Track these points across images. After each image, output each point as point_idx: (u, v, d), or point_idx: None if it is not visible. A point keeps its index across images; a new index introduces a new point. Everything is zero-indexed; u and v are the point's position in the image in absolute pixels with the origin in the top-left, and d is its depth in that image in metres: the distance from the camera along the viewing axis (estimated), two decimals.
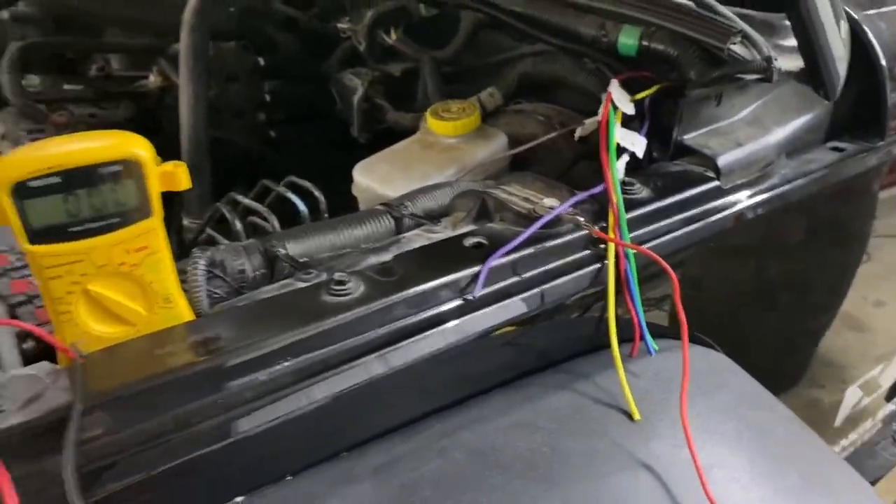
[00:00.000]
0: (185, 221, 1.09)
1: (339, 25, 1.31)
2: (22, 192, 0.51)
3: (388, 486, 0.57)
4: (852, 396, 1.24)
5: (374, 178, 0.93)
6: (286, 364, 0.57)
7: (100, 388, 0.52)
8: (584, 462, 0.61)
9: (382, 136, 1.21)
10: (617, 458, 0.62)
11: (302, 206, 0.82)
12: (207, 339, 0.57)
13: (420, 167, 0.93)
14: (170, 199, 0.90)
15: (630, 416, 0.66)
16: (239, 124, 1.25)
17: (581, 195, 0.73)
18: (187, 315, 0.60)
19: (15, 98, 1.04)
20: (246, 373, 0.56)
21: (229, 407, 0.55)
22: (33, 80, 1.11)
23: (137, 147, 0.54)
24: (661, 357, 0.73)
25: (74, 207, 0.53)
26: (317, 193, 0.85)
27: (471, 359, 0.68)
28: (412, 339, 0.62)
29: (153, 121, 1.18)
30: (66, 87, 1.14)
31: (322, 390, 0.59)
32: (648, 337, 0.72)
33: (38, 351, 0.61)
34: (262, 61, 1.30)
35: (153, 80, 1.24)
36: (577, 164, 1.00)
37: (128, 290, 0.57)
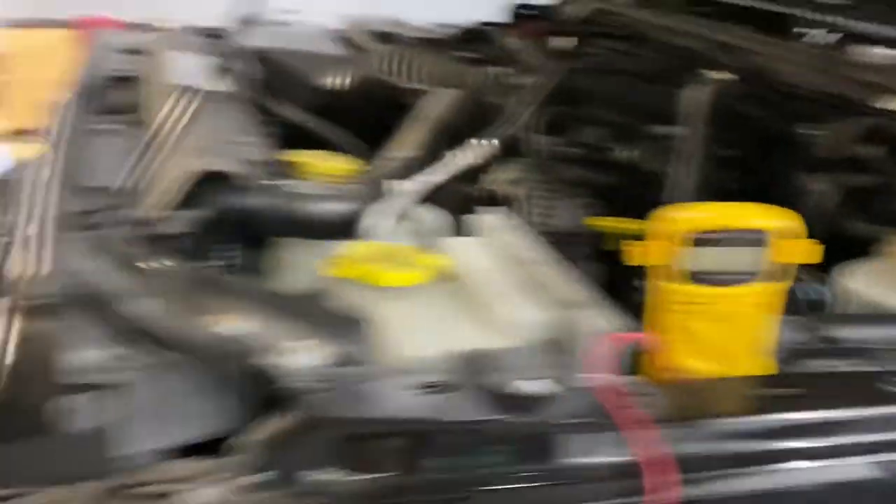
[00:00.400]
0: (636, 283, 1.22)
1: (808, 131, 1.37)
2: (694, 240, 0.64)
3: None
4: None
5: (863, 283, 0.96)
6: (857, 438, 0.64)
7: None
8: None
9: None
10: None
11: (827, 295, 0.89)
12: (795, 394, 0.66)
13: None
14: None
15: None
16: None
17: None
18: (769, 370, 0.69)
19: (535, 153, 1.25)
20: (819, 433, 0.64)
21: (807, 456, 0.63)
22: (543, 140, 1.33)
23: (772, 220, 0.65)
24: None
25: (721, 260, 0.65)
26: (828, 292, 0.91)
27: None
28: None
29: (628, 192, 1.34)
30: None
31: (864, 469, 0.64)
32: None
33: None
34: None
35: (627, 154, 1.40)
36: None
37: (726, 335, 0.68)
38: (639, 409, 0.61)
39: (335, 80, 1.52)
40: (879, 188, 1.24)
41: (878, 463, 0.65)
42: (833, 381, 0.70)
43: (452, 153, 1.12)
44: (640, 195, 1.34)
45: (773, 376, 0.70)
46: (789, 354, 0.75)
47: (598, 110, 1.50)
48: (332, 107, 1.43)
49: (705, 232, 0.65)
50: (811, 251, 0.66)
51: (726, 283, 0.66)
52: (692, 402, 0.66)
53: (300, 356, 0.64)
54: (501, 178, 1.29)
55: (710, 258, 0.65)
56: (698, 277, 0.66)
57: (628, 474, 0.58)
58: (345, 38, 1.89)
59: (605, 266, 1.09)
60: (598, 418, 0.60)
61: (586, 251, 1.25)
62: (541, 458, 0.59)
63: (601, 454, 0.60)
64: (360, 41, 1.84)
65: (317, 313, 0.71)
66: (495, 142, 1.15)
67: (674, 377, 0.67)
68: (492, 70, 1.45)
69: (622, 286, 1.17)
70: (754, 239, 0.65)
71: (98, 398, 0.61)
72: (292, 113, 1.36)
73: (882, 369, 0.70)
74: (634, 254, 0.67)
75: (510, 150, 1.25)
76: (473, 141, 1.16)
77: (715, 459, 0.61)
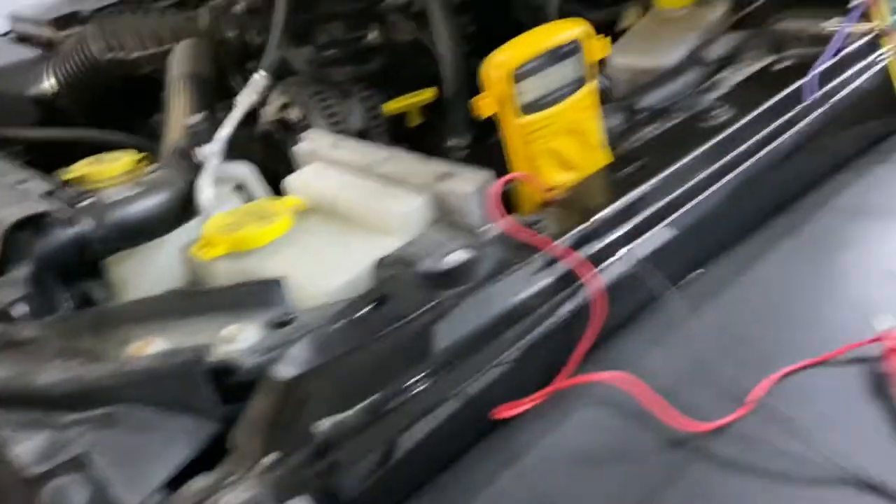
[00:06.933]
0: (451, 142, 1.29)
1: None
2: (516, 77, 0.71)
3: (800, 238, 0.76)
4: None
5: (632, 55, 1.10)
6: (701, 174, 0.76)
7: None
8: None
9: None
10: None
11: (605, 81, 1.00)
12: (639, 167, 0.76)
13: (666, 38, 1.10)
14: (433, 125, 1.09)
15: None
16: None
17: (856, 10, 0.89)
18: (608, 159, 0.79)
19: (304, 65, 1.23)
20: (676, 184, 0.75)
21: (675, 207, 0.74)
22: (303, 51, 1.31)
23: (582, 28, 0.72)
24: None
25: (549, 81, 0.72)
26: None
27: (811, 154, 0.85)
28: (775, 142, 0.80)
29: (398, 69, 1.37)
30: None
31: (722, 191, 0.77)
32: None
33: None
34: None
35: (374, 35, 1.42)
36: None
37: (576, 143, 0.76)
38: (542, 234, 0.68)
39: (52, 82, 1.38)
40: None
41: (728, 180, 0.78)
42: (666, 139, 0.81)
43: (230, 101, 1.08)
44: (412, 67, 1.39)
45: (622, 158, 0.80)
46: (620, 136, 0.86)
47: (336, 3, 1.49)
48: (69, 108, 1.30)
49: (528, 62, 0.71)
50: (606, 45, 0.74)
51: (562, 97, 0.73)
52: (574, 211, 0.73)
53: (239, 339, 0.64)
54: (280, 105, 1.27)
55: (541, 83, 0.72)
56: (538, 104, 0.73)
57: (564, 284, 0.67)
58: (20, 38, 1.69)
59: (417, 142, 1.14)
60: (522, 253, 0.67)
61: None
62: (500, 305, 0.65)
63: (541, 278, 0.67)
64: (41, 33, 1.65)
65: (225, 294, 0.70)
66: (263, 73, 1.12)
67: (548, 198, 0.75)
68: (213, 3, 1.38)
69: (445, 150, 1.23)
70: (569, 51, 0.72)
71: (68, 478, 0.58)
72: (32, 133, 1.23)
73: (690, 114, 0.82)
74: (481, 106, 0.72)
75: (279, 75, 1.22)
76: (243, 80, 1.13)
77: (612, 245, 0.70)
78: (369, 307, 0.64)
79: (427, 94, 1.21)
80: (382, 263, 0.69)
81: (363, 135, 1.29)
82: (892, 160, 0.86)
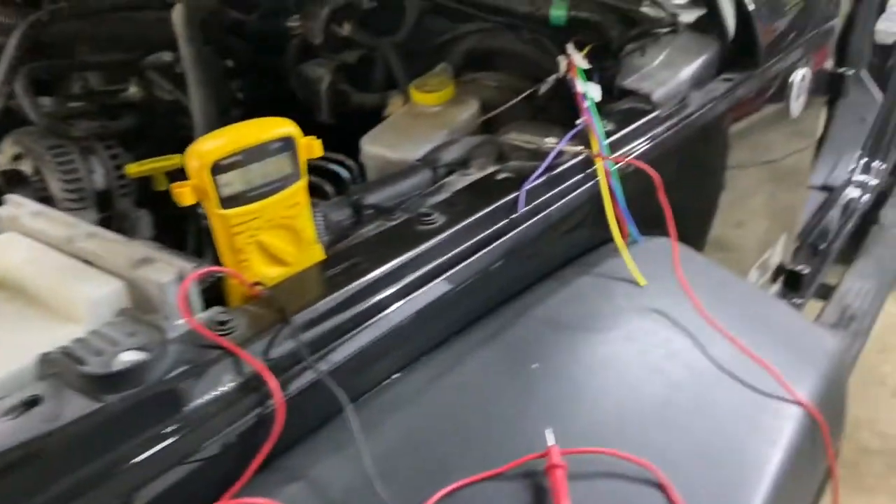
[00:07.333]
0: (200, 210, 1.24)
1: (291, 24, 1.47)
2: (216, 169, 0.68)
3: (497, 347, 0.79)
4: (753, 277, 1.56)
5: (383, 146, 1.12)
6: (412, 276, 0.77)
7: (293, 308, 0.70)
8: (618, 315, 0.86)
9: (347, 118, 1.41)
10: (638, 310, 0.87)
11: (345, 173, 1.01)
12: (349, 266, 0.76)
13: (417, 133, 1.14)
14: None
15: (638, 284, 0.91)
16: (223, 121, 1.39)
17: (574, 130, 0.96)
18: (321, 255, 0.79)
19: (39, 117, 1.14)
20: (384, 286, 0.76)
21: (381, 308, 0.75)
22: (44, 101, 1.21)
23: (292, 127, 0.72)
24: (645, 245, 0.98)
25: (251, 177, 0.70)
26: (350, 162, 1.04)
27: (519, 263, 0.89)
28: (484, 250, 0.84)
29: (153, 128, 1.31)
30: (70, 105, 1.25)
31: (433, 293, 0.79)
32: (635, 230, 0.97)
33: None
34: (230, 63, 1.45)
35: (134, 91, 1.35)
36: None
37: (286, 238, 0.75)
38: (231, 334, 0.66)
39: None
40: (363, 59, 1.41)
41: (436, 284, 0.80)
42: (383, 239, 0.82)
43: None
44: (168, 128, 1.33)
45: (336, 255, 0.79)
46: (341, 231, 0.86)
47: (92, 52, 1.40)
48: None
49: (231, 155, 0.69)
50: (318, 145, 0.74)
51: (270, 192, 0.72)
52: (272, 311, 0.71)
53: None
54: (12, 156, 1.17)
55: (246, 176, 0.70)
56: (243, 197, 0.71)
57: (244, 391, 0.64)
58: None
59: (163, 208, 1.08)
60: (206, 355, 0.64)
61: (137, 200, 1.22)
62: (171, 411, 0.61)
63: (219, 384, 0.64)
64: None
65: None
66: None
67: (254, 293, 0.72)
68: None
69: (186, 223, 1.18)
70: (279, 147, 0.71)
71: None
72: None
73: (410, 216, 0.84)
74: (179, 194, 0.69)
75: (5, 125, 1.12)
76: None
77: (304, 349, 0.69)
78: (16, 412, 0.58)
79: (176, 159, 1.16)
80: (46, 359, 0.63)
81: (105, 196, 1.21)
82: (592, 273, 0.92)
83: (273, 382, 0.64)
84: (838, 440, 0.92)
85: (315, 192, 0.99)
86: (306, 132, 0.74)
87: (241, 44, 1.53)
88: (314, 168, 1.05)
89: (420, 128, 1.16)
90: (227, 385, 0.64)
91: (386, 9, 1.42)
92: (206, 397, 0.63)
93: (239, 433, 0.64)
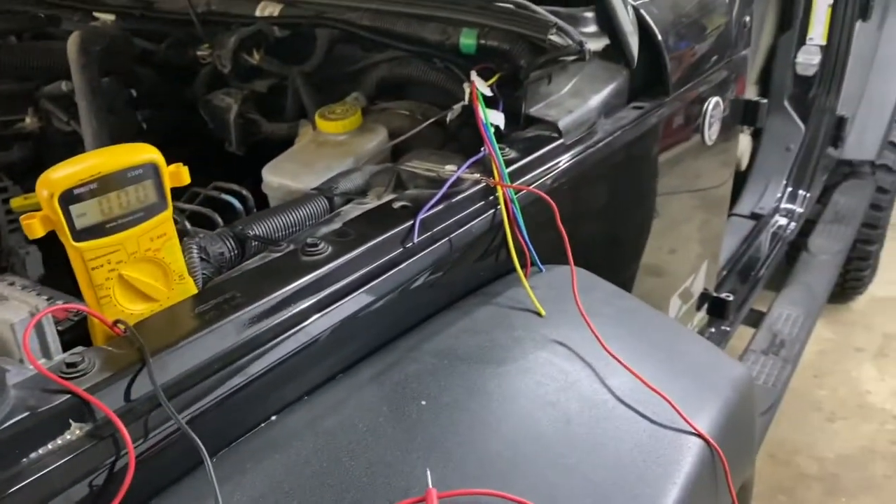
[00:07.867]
0: None
1: (200, 53, 1.43)
2: (69, 198, 0.63)
3: (384, 385, 0.74)
4: (674, 305, 1.55)
5: (284, 175, 1.08)
6: (294, 310, 0.73)
7: (155, 347, 0.65)
8: (516, 347, 0.82)
9: (257, 148, 1.37)
10: (537, 341, 0.83)
11: (238, 204, 0.97)
12: (222, 301, 0.71)
13: (321, 162, 1.10)
14: None
15: (538, 314, 0.88)
16: None
17: (473, 158, 0.94)
18: (194, 290, 0.74)
19: None
20: (259, 322, 0.71)
21: (256, 346, 0.70)
22: None
23: (154, 153, 0.67)
24: (548, 274, 0.95)
25: (108, 207, 0.65)
26: (245, 192, 0.99)
27: (415, 294, 0.86)
28: (376, 280, 0.80)
29: (50, 160, 1.24)
30: None
31: (318, 327, 0.75)
32: (537, 259, 0.95)
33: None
34: (134, 93, 1.39)
35: (30, 121, 1.30)
36: (443, 147, 1.21)
37: (152, 272, 0.70)
38: (81, 377, 0.60)
39: None
40: (274, 88, 1.38)
41: (320, 319, 0.75)
42: (262, 271, 0.77)
43: None
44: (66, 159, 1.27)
45: (210, 289, 0.75)
46: (223, 264, 0.82)
47: None
48: None
49: (85, 184, 0.64)
50: (185, 172, 0.70)
51: (131, 224, 0.67)
52: (130, 352, 0.66)
53: None
54: None
55: (102, 206, 0.65)
56: (100, 229, 0.66)
57: (92, 439, 0.59)
58: None
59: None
60: (50, 400, 0.58)
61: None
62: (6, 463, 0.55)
63: (65, 432, 0.58)
64: None
65: None
66: None
67: (115, 332, 0.67)
68: None
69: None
70: (139, 175, 0.67)
71: None
72: None
73: (296, 247, 0.80)
74: (28, 227, 0.64)
75: None
76: None
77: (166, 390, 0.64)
78: None
79: None
80: None
81: None
82: (492, 303, 0.89)
83: (124, 430, 0.59)
84: (746, 470, 0.90)
85: (204, 223, 0.94)
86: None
87: (147, 73, 1.48)
88: (207, 199, 1.01)
89: (324, 156, 1.12)
90: (73, 434, 0.59)
91: (297, 37, 1.39)
92: (48, 447, 0.57)
93: (88, 487, 0.58)
